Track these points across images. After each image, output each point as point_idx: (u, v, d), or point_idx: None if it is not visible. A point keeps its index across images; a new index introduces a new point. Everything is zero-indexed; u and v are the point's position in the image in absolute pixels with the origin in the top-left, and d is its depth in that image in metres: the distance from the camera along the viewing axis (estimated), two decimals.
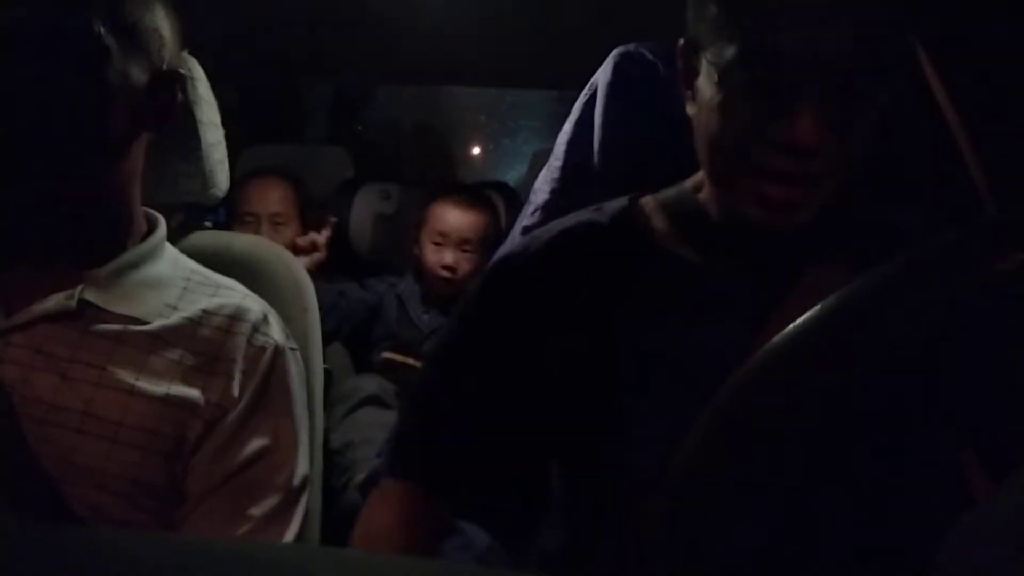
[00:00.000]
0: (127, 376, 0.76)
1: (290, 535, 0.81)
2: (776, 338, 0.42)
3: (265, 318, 0.85)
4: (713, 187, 0.79)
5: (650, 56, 1.02)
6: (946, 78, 0.96)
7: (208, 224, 1.92)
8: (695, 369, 0.68)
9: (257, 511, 0.79)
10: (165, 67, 0.79)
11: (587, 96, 1.07)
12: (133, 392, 0.75)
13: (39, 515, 0.71)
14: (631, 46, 1.05)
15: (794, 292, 0.75)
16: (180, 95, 0.81)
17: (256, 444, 0.80)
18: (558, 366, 0.78)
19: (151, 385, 0.76)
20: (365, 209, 2.22)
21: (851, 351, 0.40)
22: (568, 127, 1.08)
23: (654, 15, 0.82)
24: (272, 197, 1.93)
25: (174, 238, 0.99)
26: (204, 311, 0.82)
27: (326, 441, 1.50)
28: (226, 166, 1.04)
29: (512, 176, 2.88)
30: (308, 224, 1.97)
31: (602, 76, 1.05)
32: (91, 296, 0.77)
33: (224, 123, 1.05)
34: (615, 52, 1.05)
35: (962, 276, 0.39)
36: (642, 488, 0.72)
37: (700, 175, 0.83)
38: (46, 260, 0.78)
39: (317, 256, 1.90)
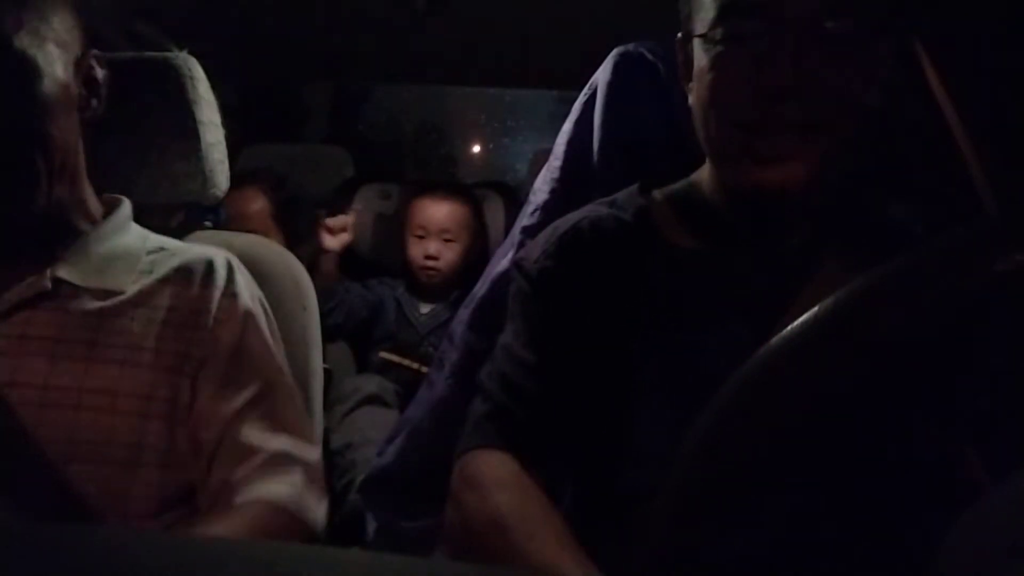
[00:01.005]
0: (115, 345, 0.77)
1: (316, 479, 0.81)
2: (773, 340, 0.42)
3: (231, 267, 0.86)
4: (714, 168, 0.81)
5: (650, 56, 1.02)
6: (946, 78, 0.96)
7: (208, 224, 1.92)
8: (707, 361, 0.70)
9: (271, 445, 0.79)
10: (81, 53, 0.79)
11: (587, 96, 1.07)
12: (124, 361, 0.76)
13: (44, 499, 0.72)
14: (631, 46, 1.05)
15: (804, 283, 0.76)
16: (102, 72, 0.81)
17: (251, 389, 0.80)
18: (593, 357, 0.79)
19: (139, 350, 0.77)
20: (365, 209, 2.23)
21: (849, 352, 0.40)
22: (568, 127, 1.08)
23: (654, 15, 0.82)
24: (248, 211, 1.92)
25: (174, 238, 1.00)
26: (176, 270, 0.83)
27: (326, 442, 1.50)
28: (226, 166, 1.04)
29: (512, 176, 2.89)
30: (288, 228, 1.96)
31: (602, 76, 1.05)
32: (64, 274, 0.77)
33: (224, 123, 1.05)
34: (615, 52, 1.06)
35: (961, 277, 0.39)
36: (650, 488, 0.73)
37: (703, 169, 0.85)
38: (6, 254, 0.78)
39: (344, 237, 1.99)
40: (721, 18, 0.73)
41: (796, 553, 0.70)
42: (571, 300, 0.81)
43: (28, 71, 0.72)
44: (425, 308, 1.98)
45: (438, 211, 1.94)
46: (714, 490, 0.43)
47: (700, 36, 0.75)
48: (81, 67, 0.79)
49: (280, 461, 0.79)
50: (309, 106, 3.25)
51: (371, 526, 1.20)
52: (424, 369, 1.79)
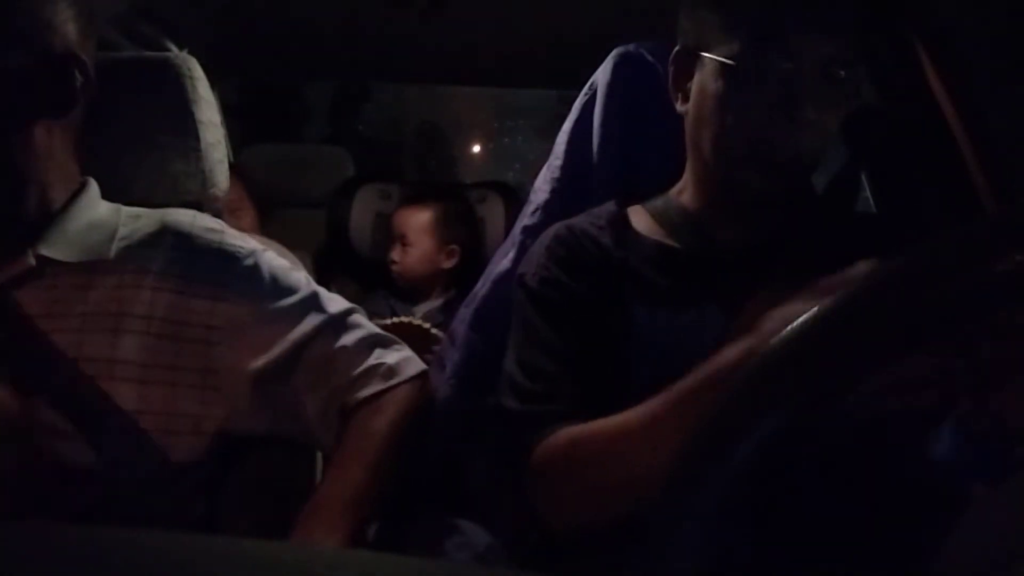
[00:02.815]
0: (107, 313, 0.76)
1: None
2: (773, 341, 0.42)
3: (224, 231, 0.86)
4: (704, 176, 0.87)
5: (649, 57, 1.03)
6: (946, 78, 0.96)
7: None
8: (674, 338, 0.79)
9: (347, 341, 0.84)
10: (58, 51, 0.76)
11: (587, 96, 1.07)
12: (117, 329, 0.76)
13: (55, 477, 0.73)
14: (631, 46, 1.05)
15: (766, 284, 0.78)
16: (80, 78, 0.78)
17: (310, 322, 0.83)
18: (594, 343, 0.83)
19: (132, 317, 0.77)
20: (365, 209, 2.23)
21: (848, 353, 0.40)
22: (568, 127, 1.08)
23: (653, 15, 0.83)
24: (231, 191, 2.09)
25: None
26: (158, 232, 0.83)
27: None
28: (226, 166, 1.04)
29: (512, 176, 2.89)
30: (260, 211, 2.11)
31: (602, 76, 1.05)
32: (46, 251, 0.77)
33: (224, 123, 1.04)
34: (615, 52, 1.06)
35: (960, 277, 0.39)
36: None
37: (681, 184, 0.92)
38: None
39: None
40: (751, 48, 0.78)
41: (794, 552, 0.70)
42: (572, 298, 0.86)
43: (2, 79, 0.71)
44: (419, 311, 1.98)
45: (398, 219, 2.06)
46: (711, 492, 0.43)
47: (721, 59, 0.80)
48: (55, 69, 0.77)
49: (368, 343, 0.85)
50: (309, 106, 3.26)
51: (371, 526, 1.20)
52: (426, 325, 1.81)
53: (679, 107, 0.88)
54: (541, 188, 1.08)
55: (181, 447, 0.78)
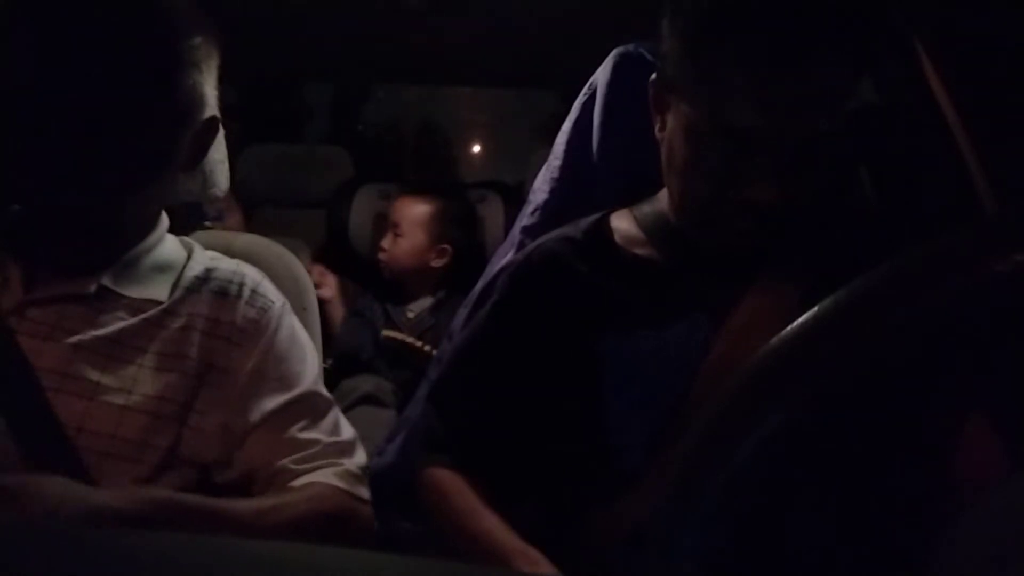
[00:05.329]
0: (140, 348, 0.79)
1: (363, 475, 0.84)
2: (772, 340, 0.42)
3: (261, 282, 0.89)
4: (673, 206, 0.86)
5: (649, 56, 1.03)
6: (946, 78, 0.96)
7: (208, 224, 1.92)
8: (660, 358, 0.77)
9: (318, 438, 0.83)
10: (207, 117, 0.85)
11: (587, 96, 1.07)
12: (143, 364, 0.79)
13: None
14: (631, 46, 1.05)
15: (753, 284, 0.79)
16: (216, 132, 0.87)
17: (285, 395, 0.83)
18: (551, 365, 0.84)
19: (163, 355, 0.79)
20: (365, 209, 2.23)
21: (847, 353, 0.40)
22: (568, 127, 1.08)
23: (654, 15, 0.82)
24: None
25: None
26: (210, 283, 0.86)
27: None
28: (226, 166, 1.04)
29: (512, 176, 2.89)
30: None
31: (601, 76, 1.05)
32: (108, 282, 0.81)
33: (224, 123, 1.04)
34: (614, 52, 1.06)
35: (959, 278, 0.39)
36: (628, 476, 0.75)
37: (664, 191, 0.89)
38: (74, 251, 0.82)
39: (326, 291, 2.02)
40: (715, 119, 0.73)
41: (791, 553, 0.70)
42: (527, 330, 0.86)
43: (147, 149, 0.78)
44: (411, 312, 1.97)
45: (396, 207, 2.03)
46: (710, 491, 0.43)
47: (686, 119, 0.77)
48: (199, 135, 0.84)
49: (329, 451, 0.83)
50: (309, 106, 3.26)
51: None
52: (427, 348, 1.81)
53: (657, 132, 0.84)
54: (540, 188, 1.08)
55: (176, 472, 0.79)
